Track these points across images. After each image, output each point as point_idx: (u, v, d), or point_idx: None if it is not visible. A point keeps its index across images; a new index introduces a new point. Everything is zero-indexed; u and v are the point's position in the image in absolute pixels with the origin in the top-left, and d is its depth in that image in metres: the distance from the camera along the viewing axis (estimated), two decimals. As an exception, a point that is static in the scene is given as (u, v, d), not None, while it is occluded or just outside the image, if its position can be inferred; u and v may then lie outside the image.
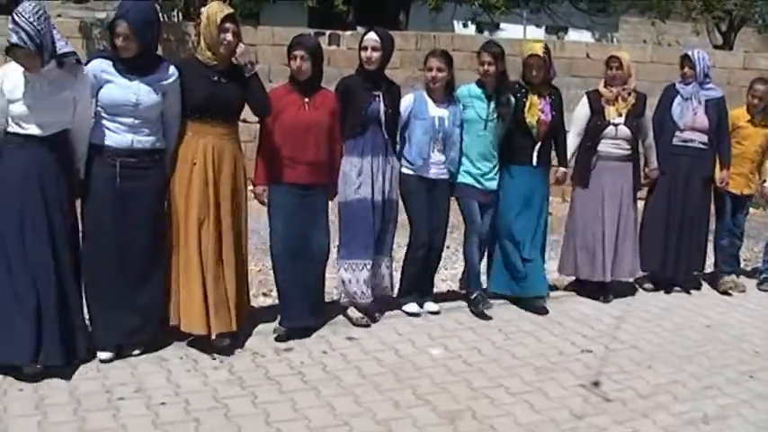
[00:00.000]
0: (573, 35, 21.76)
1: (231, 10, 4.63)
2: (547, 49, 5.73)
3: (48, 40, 4.07)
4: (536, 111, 5.63)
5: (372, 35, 5.15)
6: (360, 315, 5.32)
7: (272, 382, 4.38)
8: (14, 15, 4.00)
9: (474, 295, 5.66)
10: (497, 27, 20.84)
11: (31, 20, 3.99)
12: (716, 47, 19.42)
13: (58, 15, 11.62)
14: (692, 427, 4.13)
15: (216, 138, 4.65)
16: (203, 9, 4.68)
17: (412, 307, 5.56)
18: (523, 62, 5.70)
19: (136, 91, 4.38)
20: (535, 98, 5.66)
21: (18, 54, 4.07)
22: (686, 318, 5.95)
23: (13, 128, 4.20)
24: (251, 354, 4.75)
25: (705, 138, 6.32)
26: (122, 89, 4.37)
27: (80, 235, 4.47)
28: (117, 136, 4.40)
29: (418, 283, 5.61)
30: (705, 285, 6.82)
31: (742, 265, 7.44)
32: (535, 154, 5.71)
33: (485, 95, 5.51)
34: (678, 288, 6.55)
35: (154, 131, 4.51)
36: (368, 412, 4.08)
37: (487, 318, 5.56)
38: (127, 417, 3.89)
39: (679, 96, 6.33)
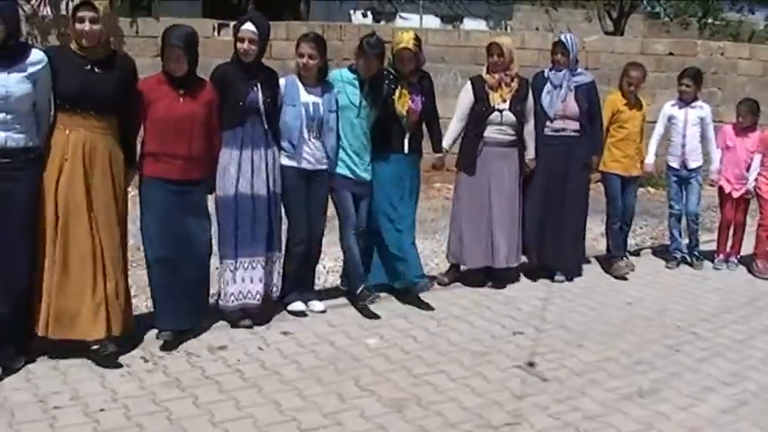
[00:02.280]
0: (468, 23, 22.15)
1: None
2: (418, 39, 5.57)
3: None
4: (405, 101, 5.51)
5: (249, 26, 4.91)
6: (239, 316, 5.10)
7: (211, 382, 4.30)
8: None
9: (359, 290, 5.54)
10: (394, 17, 21.04)
11: None
12: (607, 33, 20.03)
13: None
14: (629, 402, 4.26)
15: (88, 131, 4.36)
16: None
17: (297, 305, 5.36)
18: (394, 54, 5.54)
19: (4, 82, 4.08)
20: (405, 88, 5.53)
21: None
22: (607, 297, 6.13)
23: None
24: (185, 354, 4.65)
25: (577, 125, 6.27)
26: None
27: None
28: None
29: (300, 281, 5.43)
30: (598, 269, 6.90)
31: (649, 244, 7.70)
32: (406, 141, 5.60)
33: (358, 81, 5.37)
34: (561, 278, 6.44)
35: (27, 128, 4.22)
36: (314, 406, 4.06)
37: (375, 315, 5.43)
38: (65, 426, 3.76)
39: (549, 84, 6.24)
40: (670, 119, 7.03)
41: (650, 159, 7.03)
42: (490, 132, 5.96)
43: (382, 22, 20.45)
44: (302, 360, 4.64)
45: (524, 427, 3.94)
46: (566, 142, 6.27)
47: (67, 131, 4.34)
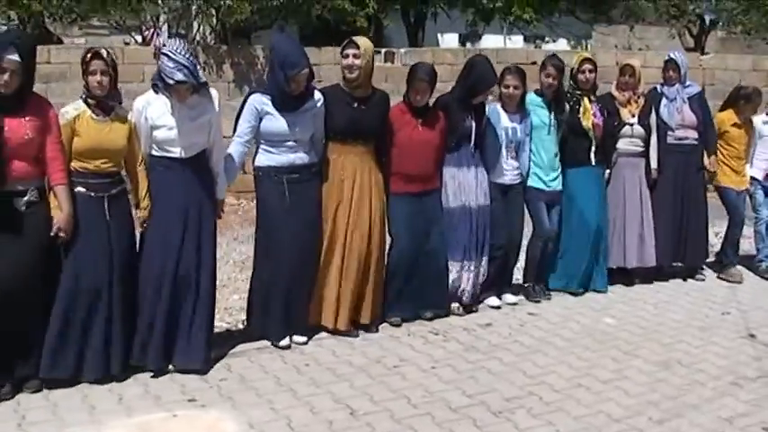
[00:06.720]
0: (549, 44, 23.04)
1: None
2: (593, 62, 6.46)
3: (198, 71, 4.76)
4: (589, 115, 6.38)
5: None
6: (456, 305, 5.93)
7: (501, 348, 5.28)
8: (171, 54, 4.56)
9: (528, 285, 6.40)
10: (479, 38, 22.05)
11: (188, 56, 4.63)
12: (688, 50, 20.78)
13: (126, 43, 12.14)
14: None
15: (356, 156, 5.39)
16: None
17: (493, 300, 6.14)
18: (577, 69, 6.41)
19: (292, 122, 5.09)
20: (587, 103, 6.38)
21: (179, 89, 4.60)
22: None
23: (157, 152, 4.75)
24: (462, 329, 5.63)
25: (696, 133, 6.90)
26: (281, 122, 5.08)
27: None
28: (279, 157, 5.14)
29: (496, 280, 6.19)
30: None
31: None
32: (593, 154, 6.45)
33: (545, 103, 6.25)
34: (700, 276, 7.10)
35: (308, 149, 5.25)
36: (597, 365, 5.02)
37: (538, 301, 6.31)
38: (413, 379, 4.74)
39: (664, 98, 6.88)
40: (759, 134, 7.34)
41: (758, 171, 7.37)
42: (622, 144, 6.71)
43: (468, 45, 21.44)
44: (562, 333, 5.61)
45: (774, 378, 4.89)
46: (687, 150, 6.91)
47: (340, 157, 5.39)
